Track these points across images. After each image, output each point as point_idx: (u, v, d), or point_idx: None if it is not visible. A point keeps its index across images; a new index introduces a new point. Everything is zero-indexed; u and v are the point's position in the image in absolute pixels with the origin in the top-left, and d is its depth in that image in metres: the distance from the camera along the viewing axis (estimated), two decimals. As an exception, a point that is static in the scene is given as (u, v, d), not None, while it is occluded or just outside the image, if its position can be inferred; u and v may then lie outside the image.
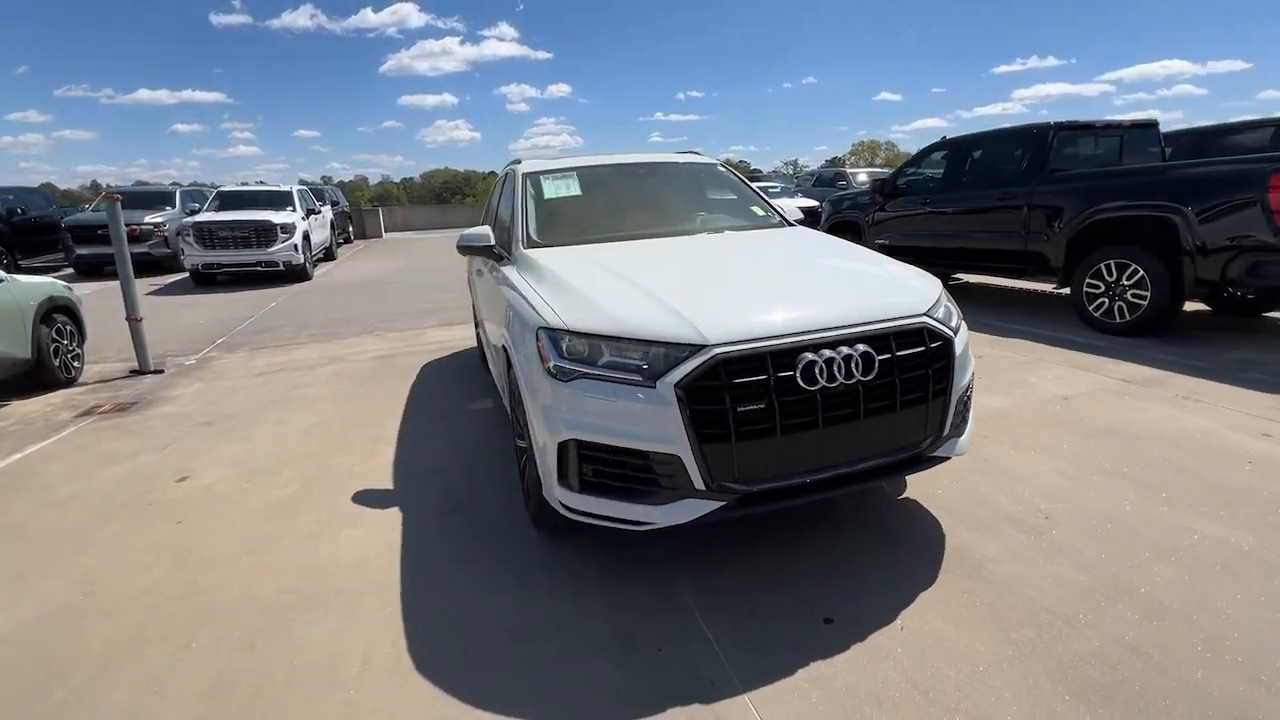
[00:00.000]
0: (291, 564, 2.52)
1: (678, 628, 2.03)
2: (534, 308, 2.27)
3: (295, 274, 10.91)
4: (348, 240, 19.64)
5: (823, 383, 1.93)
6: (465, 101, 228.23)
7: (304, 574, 2.45)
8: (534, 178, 3.44)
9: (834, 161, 72.80)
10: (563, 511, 2.13)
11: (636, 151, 3.88)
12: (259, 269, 10.55)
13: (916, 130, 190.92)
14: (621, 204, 3.46)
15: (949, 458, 2.23)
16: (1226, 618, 1.94)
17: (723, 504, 1.92)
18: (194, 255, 10.36)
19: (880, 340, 2.02)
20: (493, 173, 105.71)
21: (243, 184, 14.17)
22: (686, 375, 1.86)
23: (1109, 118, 5.89)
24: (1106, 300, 5.18)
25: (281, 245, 10.53)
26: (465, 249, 3.23)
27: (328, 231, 14.08)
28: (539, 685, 1.83)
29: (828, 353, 1.94)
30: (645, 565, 2.37)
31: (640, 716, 1.70)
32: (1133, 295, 4.99)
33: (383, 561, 2.50)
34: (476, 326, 4.99)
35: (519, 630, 2.07)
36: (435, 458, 3.48)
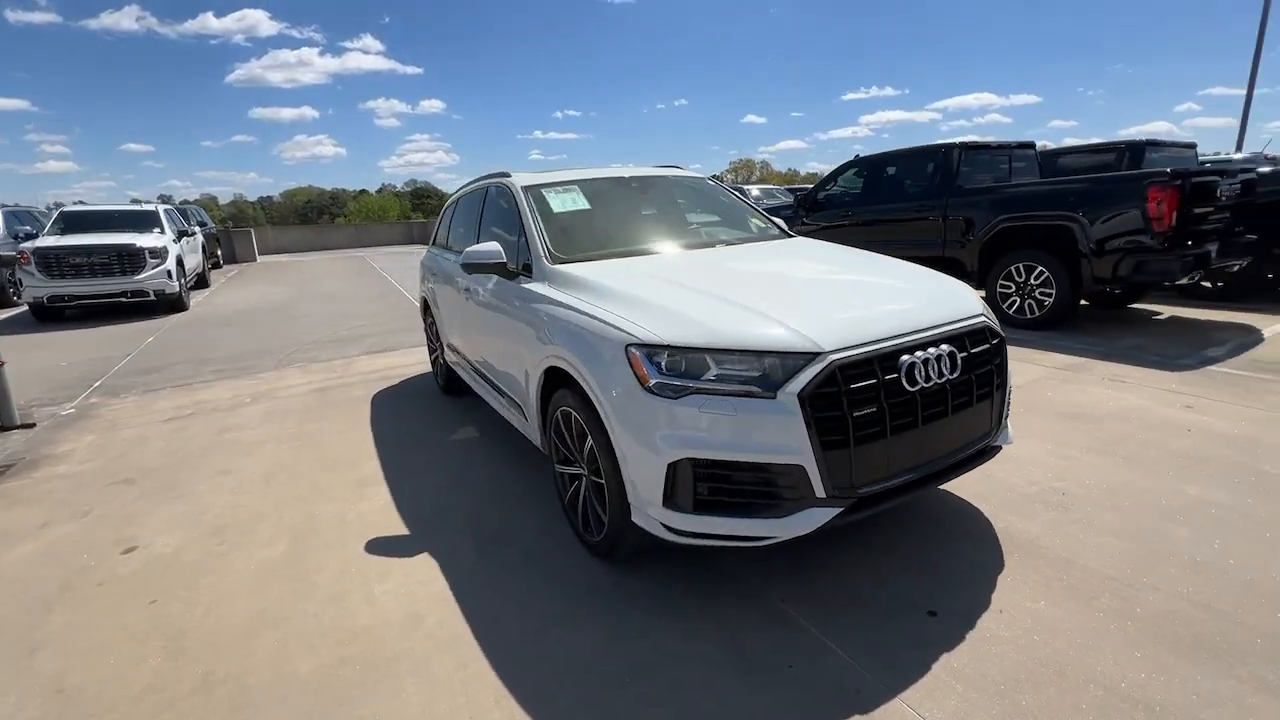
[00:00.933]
0: (326, 632, 2.18)
1: (794, 641, 1.99)
2: (611, 324, 2.15)
3: (169, 304, 9.57)
4: (217, 265, 17.62)
5: (921, 383, 2.00)
6: (328, 116, 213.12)
7: (347, 642, 2.13)
8: (536, 191, 3.27)
9: (716, 179, 76.28)
10: (666, 536, 2.02)
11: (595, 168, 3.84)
12: (123, 300, 9.15)
13: (781, 151, 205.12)
14: (632, 217, 3.39)
15: (1003, 446, 2.39)
16: (1249, 564, 2.24)
17: (841, 510, 1.92)
18: (37, 286, 8.77)
19: (958, 340, 2.14)
20: (364, 190, 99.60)
21: (78, 203, 12.18)
22: (808, 384, 1.85)
23: (999, 139, 6.69)
24: (1018, 299, 5.85)
25: (152, 272, 9.21)
26: (475, 267, 3.01)
27: (200, 256, 12.53)
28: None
29: (921, 354, 2.02)
30: (730, 581, 2.30)
31: None
32: (1040, 293, 5.68)
33: (439, 614, 2.24)
34: (440, 350, 4.65)
35: (627, 664, 1.93)
36: (439, 494, 3.18)
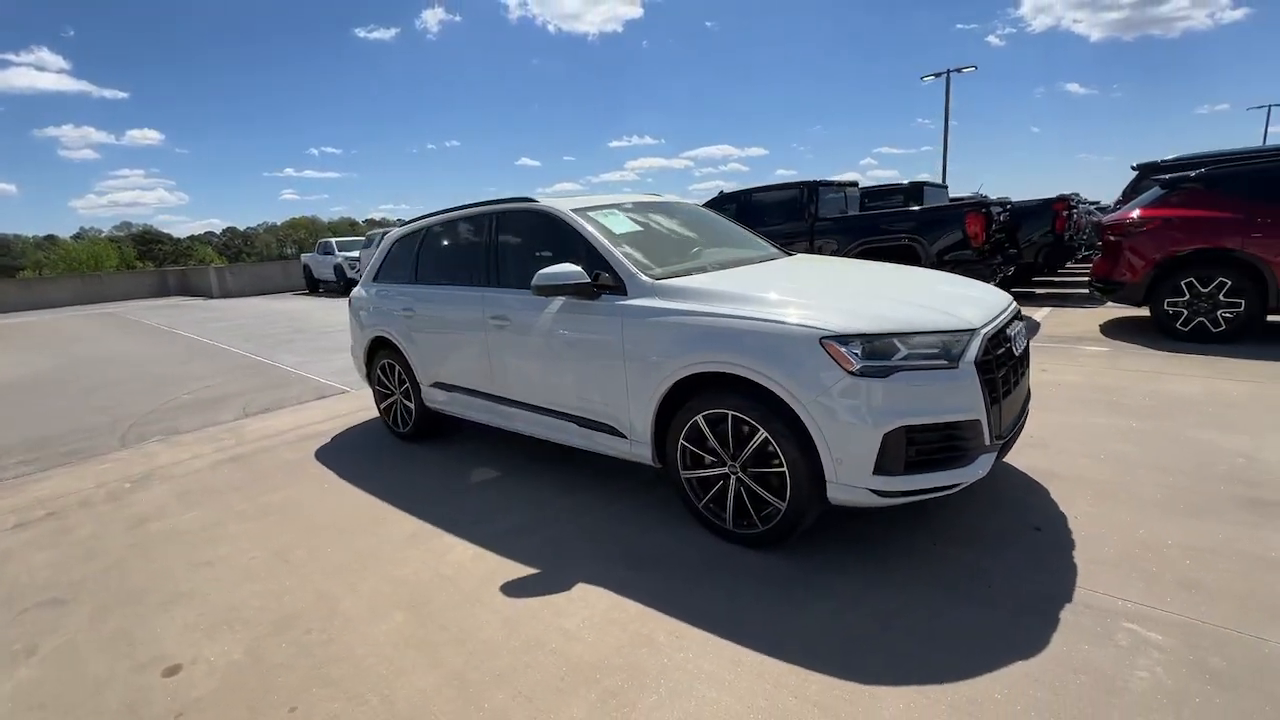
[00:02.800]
0: (569, 672, 2.01)
1: (973, 569, 2.39)
2: (788, 323, 2.38)
3: None
4: None
5: (1017, 352, 2.59)
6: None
7: (601, 675, 1.99)
8: (587, 215, 3.31)
9: None
10: (873, 501, 2.29)
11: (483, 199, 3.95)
12: None
13: (558, 192, 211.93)
14: (680, 237, 3.57)
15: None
16: (1165, 454, 3.23)
17: (995, 454, 2.39)
18: None
19: (1018, 319, 2.79)
20: (53, 236, 78.95)
21: None
22: (977, 353, 2.30)
23: (837, 178, 8.16)
24: (877, 305, 7.19)
25: None
26: (552, 289, 2.95)
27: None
28: (957, 660, 1.99)
29: (1016, 325, 2.62)
30: (883, 546, 2.63)
31: (1044, 626, 2.04)
32: (893, 300, 7.07)
33: (663, 628, 2.19)
34: (413, 392, 4.22)
35: (871, 617, 2.14)
36: (527, 533, 2.97)
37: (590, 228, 3.19)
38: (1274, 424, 3.58)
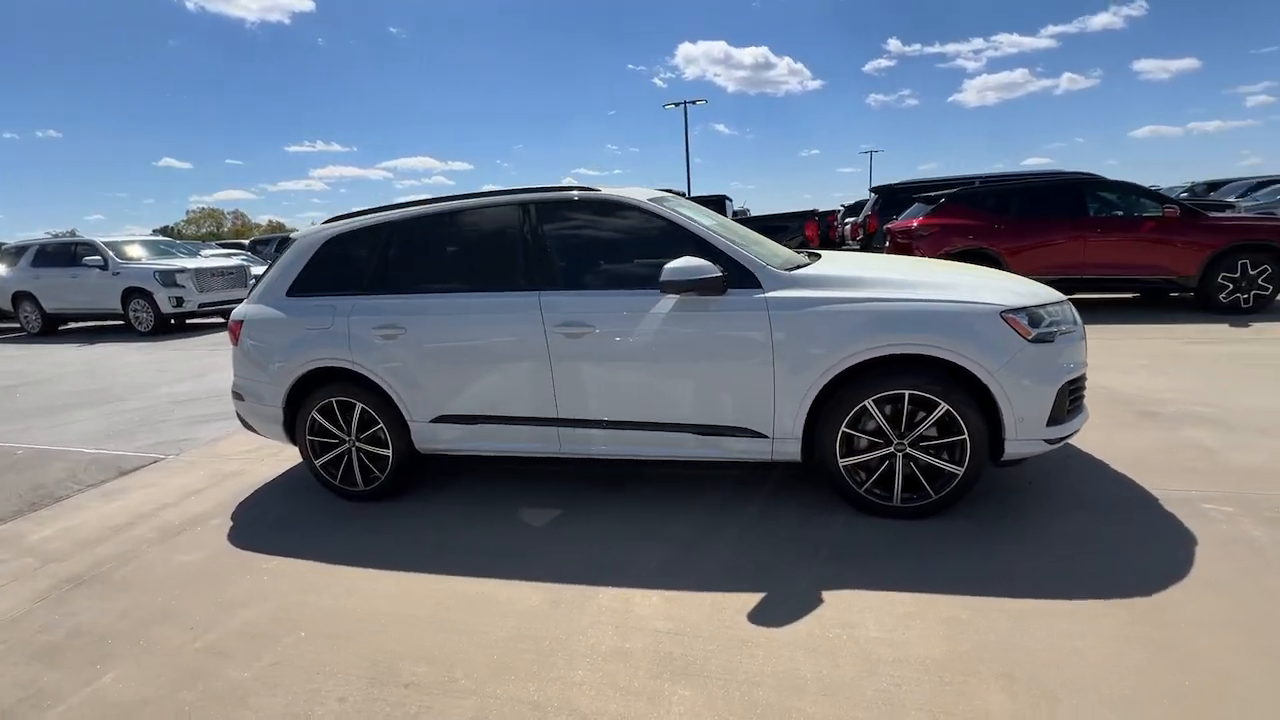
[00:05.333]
0: (922, 673, 1.86)
1: (1093, 525, 2.92)
2: (968, 301, 2.58)
3: None
4: None
5: None
6: None
7: (948, 666, 1.90)
8: (663, 203, 3.01)
9: (167, 231, 60.66)
10: (1045, 448, 2.63)
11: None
12: None
13: (225, 200, 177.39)
14: (730, 229, 3.44)
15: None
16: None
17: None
18: None
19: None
20: None
21: None
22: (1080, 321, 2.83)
23: (713, 193, 8.73)
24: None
25: None
26: (687, 285, 2.64)
27: None
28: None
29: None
30: (1001, 497, 3.01)
31: (1160, 518, 2.63)
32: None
33: (964, 614, 2.18)
34: (398, 435, 3.25)
35: (1083, 546, 2.47)
36: (695, 558, 2.60)
37: (683, 218, 2.94)
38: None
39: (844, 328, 2.65)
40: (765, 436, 2.83)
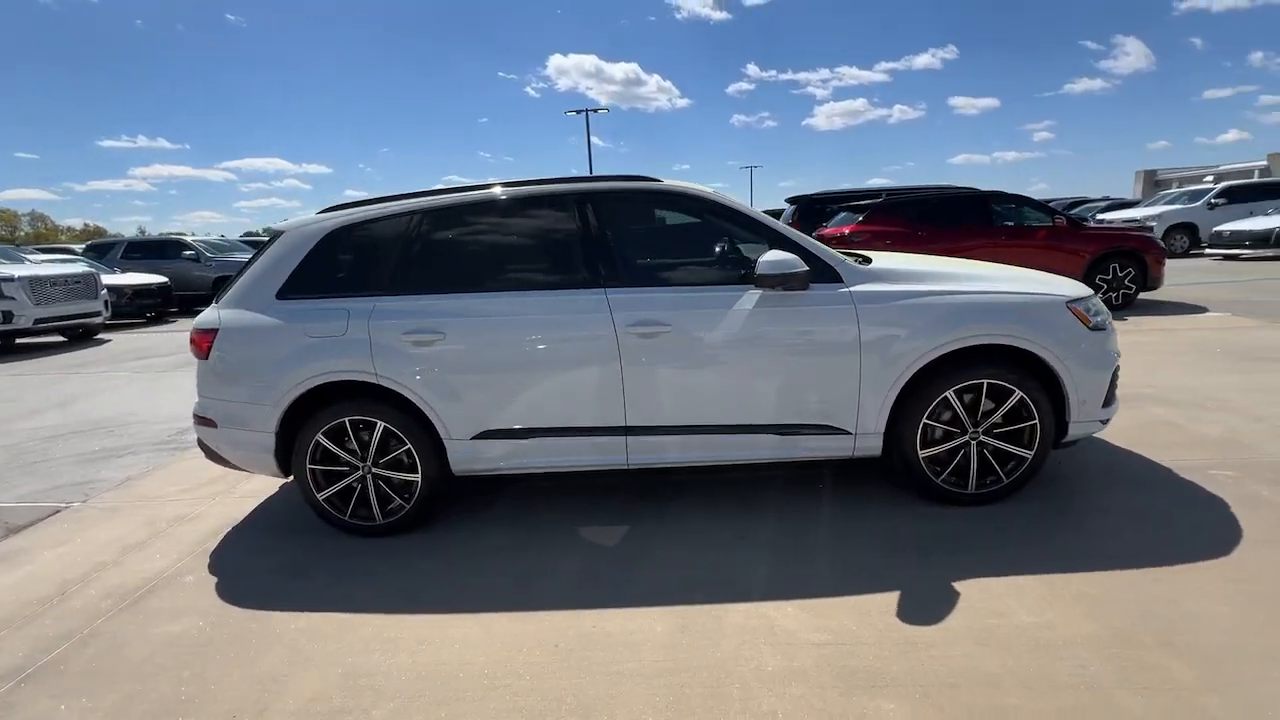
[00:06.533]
0: (1100, 656, 1.89)
1: (1151, 497, 3.18)
2: (1039, 292, 2.74)
3: None
4: None
5: None
6: None
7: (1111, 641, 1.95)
8: (726, 197, 2.89)
9: None
10: (1100, 429, 2.84)
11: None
12: None
13: (13, 200, 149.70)
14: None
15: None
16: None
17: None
18: None
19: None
20: None
21: None
22: (1104, 310, 3.09)
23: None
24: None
25: None
26: (780, 279, 2.55)
27: None
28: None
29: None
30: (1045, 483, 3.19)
31: (1179, 485, 2.93)
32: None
33: (1092, 590, 2.25)
34: (427, 461, 2.81)
35: (1147, 513, 2.68)
36: (797, 563, 2.48)
37: (756, 212, 2.84)
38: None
39: (930, 320, 2.68)
40: (848, 433, 2.79)
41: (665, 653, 2.05)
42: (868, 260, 2.95)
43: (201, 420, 2.96)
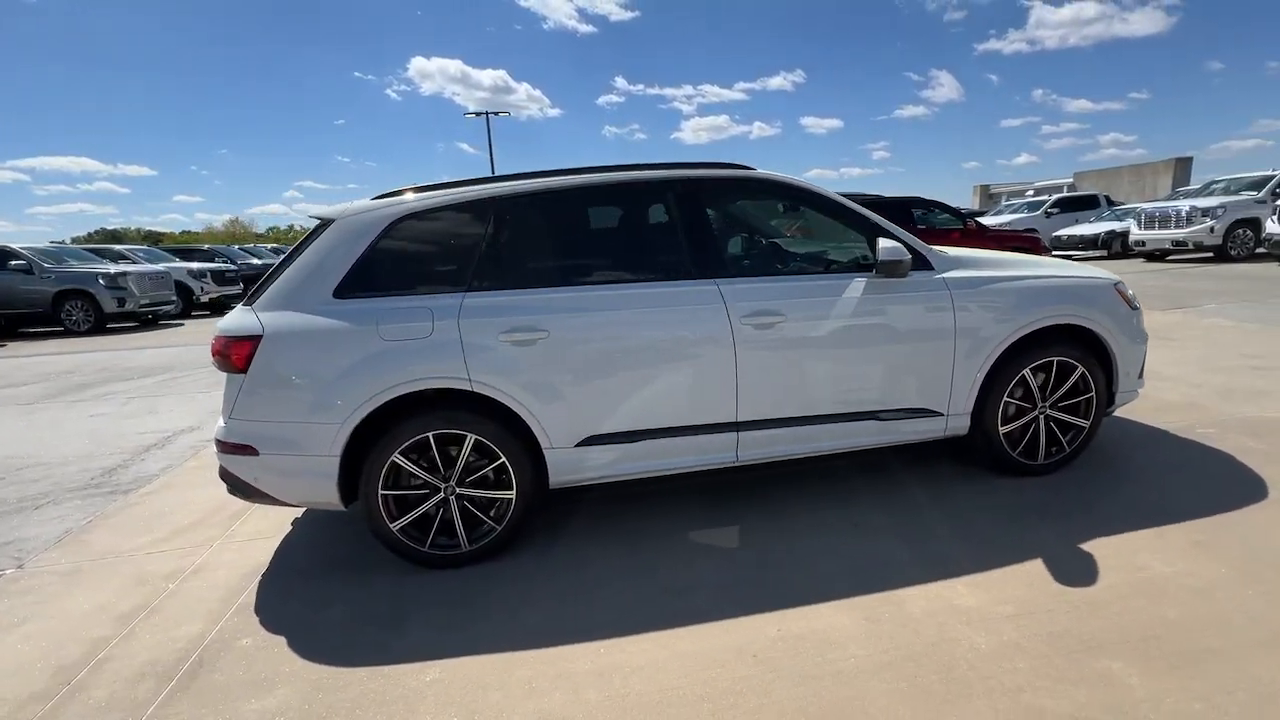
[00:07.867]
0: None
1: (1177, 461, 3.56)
2: (1089, 276, 2.99)
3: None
4: None
5: None
6: None
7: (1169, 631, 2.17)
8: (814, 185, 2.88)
9: None
10: (1137, 398, 3.15)
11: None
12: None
13: None
14: None
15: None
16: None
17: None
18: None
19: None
20: None
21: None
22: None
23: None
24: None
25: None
26: (897, 266, 2.60)
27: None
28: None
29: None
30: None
31: (1174, 444, 3.37)
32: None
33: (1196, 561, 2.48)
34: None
35: (1174, 474, 3.02)
36: (926, 542, 2.50)
37: (850, 202, 2.87)
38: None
39: (1012, 304, 2.85)
40: (940, 415, 2.88)
41: (873, 644, 1.98)
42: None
43: (234, 448, 2.43)
